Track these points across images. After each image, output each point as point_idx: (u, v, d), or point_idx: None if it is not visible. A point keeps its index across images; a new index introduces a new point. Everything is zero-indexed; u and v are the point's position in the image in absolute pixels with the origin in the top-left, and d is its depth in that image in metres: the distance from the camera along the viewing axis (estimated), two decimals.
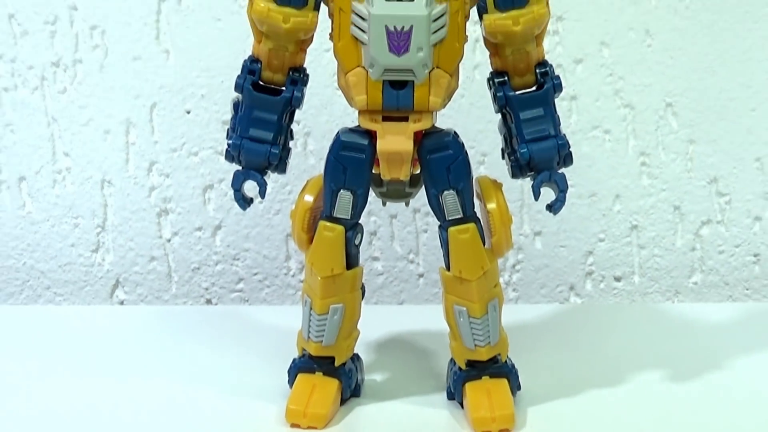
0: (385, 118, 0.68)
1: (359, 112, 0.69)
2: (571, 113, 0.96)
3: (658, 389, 0.76)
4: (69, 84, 0.97)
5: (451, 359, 0.75)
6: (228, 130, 0.71)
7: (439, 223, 0.71)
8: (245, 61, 0.70)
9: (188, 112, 0.97)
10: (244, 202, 0.71)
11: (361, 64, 0.67)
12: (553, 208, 0.71)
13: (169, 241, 0.99)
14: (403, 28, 0.65)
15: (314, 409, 0.70)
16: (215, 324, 0.90)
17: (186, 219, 0.98)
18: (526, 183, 0.71)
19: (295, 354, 0.75)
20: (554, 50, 0.95)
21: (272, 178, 0.72)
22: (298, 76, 0.70)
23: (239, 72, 0.70)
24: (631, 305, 0.99)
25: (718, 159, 0.97)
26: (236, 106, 0.71)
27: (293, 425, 0.70)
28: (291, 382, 0.74)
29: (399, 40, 0.66)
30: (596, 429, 0.70)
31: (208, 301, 1.00)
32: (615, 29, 0.95)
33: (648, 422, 0.71)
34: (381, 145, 0.67)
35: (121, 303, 1.00)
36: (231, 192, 0.71)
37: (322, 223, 0.70)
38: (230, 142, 0.70)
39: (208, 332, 0.88)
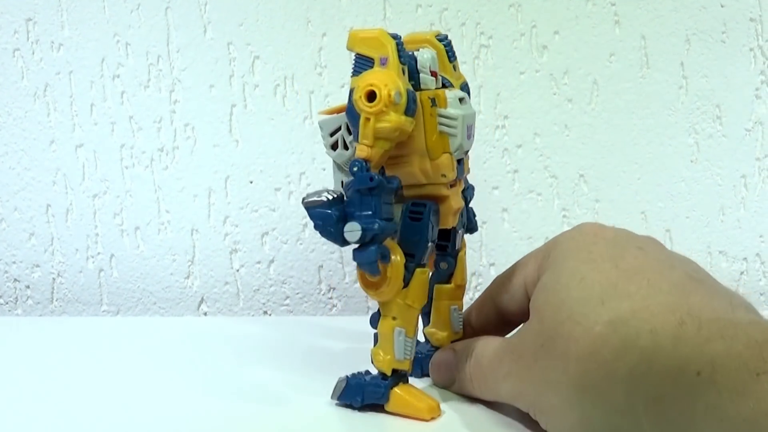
0: (450, 186, 0.65)
1: (425, 185, 0.64)
2: (514, 182, 0.96)
3: None
4: (170, 163, 0.97)
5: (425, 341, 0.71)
6: (353, 214, 0.59)
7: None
8: (360, 162, 0.59)
9: (251, 182, 0.97)
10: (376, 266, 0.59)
11: (447, 151, 0.63)
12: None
13: (237, 270, 0.98)
14: (472, 122, 0.65)
15: (434, 402, 0.63)
16: (270, 328, 0.90)
17: (249, 255, 0.98)
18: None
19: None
20: (502, 139, 0.95)
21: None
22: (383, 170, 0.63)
23: (357, 169, 0.59)
24: None
25: (615, 212, 0.97)
26: (346, 190, 0.60)
27: (432, 418, 0.61)
28: (385, 397, 0.62)
29: (470, 131, 0.65)
30: None
31: (265, 313, 0.99)
32: (544, 124, 0.96)
33: None
34: (454, 203, 0.65)
35: (205, 314, 1.00)
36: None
37: (419, 269, 0.62)
38: (373, 226, 0.58)
39: (265, 334, 0.87)
